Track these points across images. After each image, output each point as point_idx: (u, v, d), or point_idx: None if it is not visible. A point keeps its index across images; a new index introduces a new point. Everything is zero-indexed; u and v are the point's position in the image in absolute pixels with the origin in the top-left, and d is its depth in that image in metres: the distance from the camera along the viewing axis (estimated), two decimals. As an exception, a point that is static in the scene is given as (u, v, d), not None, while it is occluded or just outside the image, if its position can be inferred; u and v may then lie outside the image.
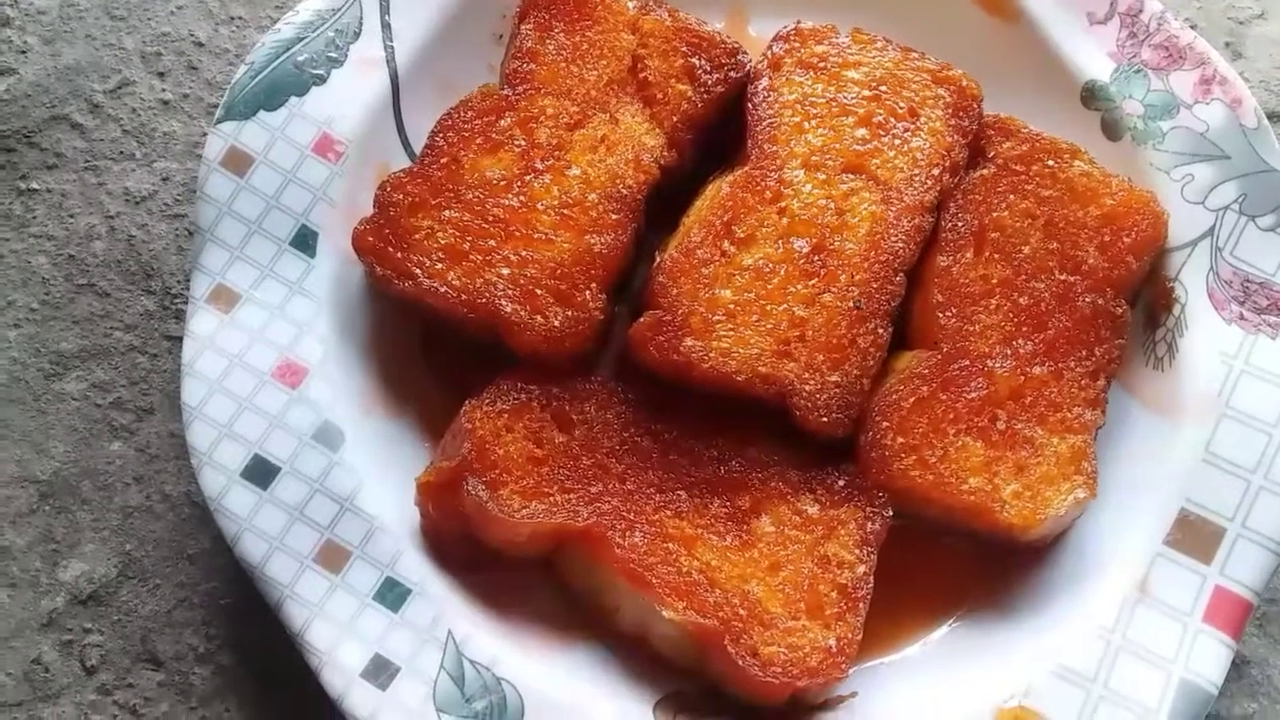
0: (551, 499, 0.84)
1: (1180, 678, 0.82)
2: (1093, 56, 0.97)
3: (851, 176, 0.91)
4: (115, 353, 0.97)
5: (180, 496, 0.94)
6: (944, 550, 0.89)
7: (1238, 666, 0.92)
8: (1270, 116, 1.07)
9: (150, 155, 1.02)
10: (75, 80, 1.03)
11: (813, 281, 0.89)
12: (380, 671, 0.81)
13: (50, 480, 0.94)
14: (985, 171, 0.93)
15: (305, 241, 0.90)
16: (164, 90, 1.03)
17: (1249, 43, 1.09)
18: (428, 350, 0.94)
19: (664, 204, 0.93)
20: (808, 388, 0.86)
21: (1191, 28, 1.08)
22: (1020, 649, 0.85)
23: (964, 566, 0.89)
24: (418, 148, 0.94)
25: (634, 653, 0.86)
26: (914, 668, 0.87)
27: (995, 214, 0.92)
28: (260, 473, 0.85)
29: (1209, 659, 0.83)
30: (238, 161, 0.90)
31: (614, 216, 0.90)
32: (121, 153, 1.02)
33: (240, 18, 1.06)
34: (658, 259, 0.90)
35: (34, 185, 1.00)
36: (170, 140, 1.02)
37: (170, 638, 0.91)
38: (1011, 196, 0.92)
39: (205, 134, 1.00)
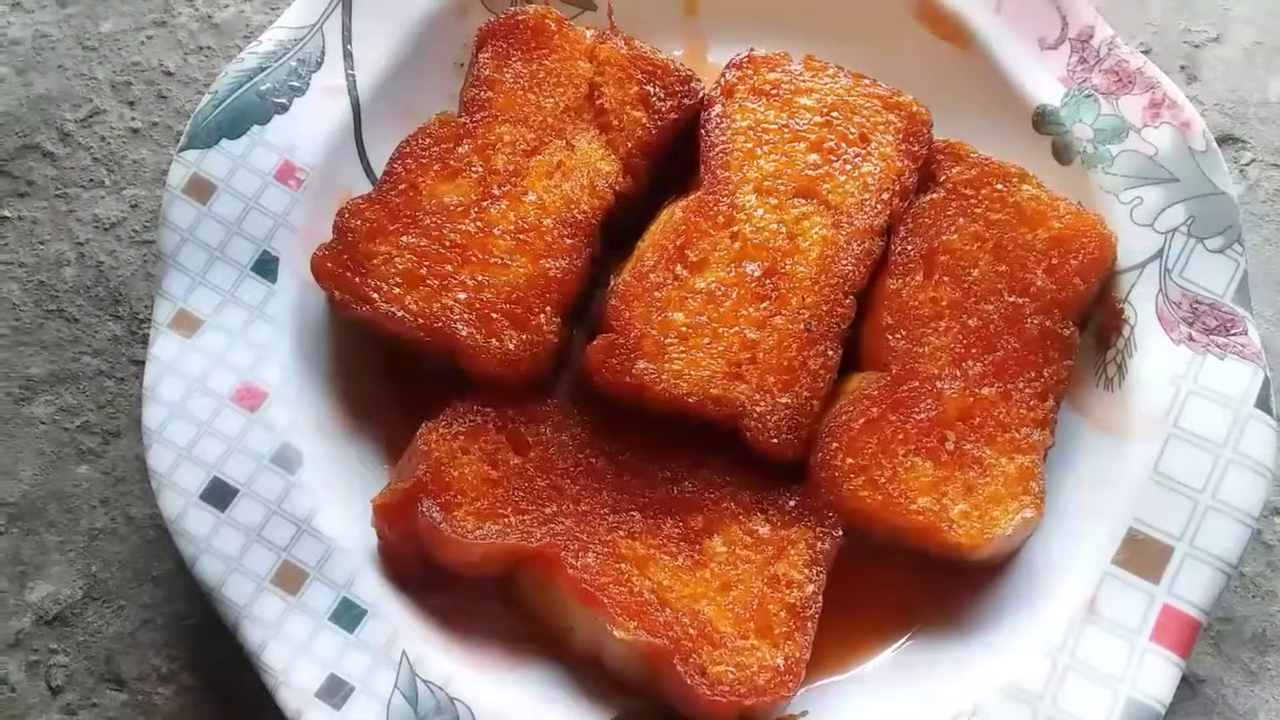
0: (505, 520, 0.86)
1: (1128, 696, 0.83)
2: (1044, 81, 0.98)
3: (803, 201, 0.93)
4: (83, 377, 0.99)
5: (145, 519, 0.95)
6: (896, 570, 0.90)
7: (1192, 685, 0.93)
8: (1226, 139, 1.08)
9: (120, 183, 1.04)
10: (47, 109, 1.05)
11: (764, 304, 0.90)
12: (335, 691, 0.82)
13: (18, 503, 0.95)
14: (935, 195, 0.94)
15: (266, 267, 0.92)
16: (134, 119, 1.05)
17: (1204, 66, 1.10)
18: (390, 374, 0.95)
19: (623, 230, 0.95)
20: (758, 409, 0.88)
21: (1145, 52, 1.10)
22: (970, 667, 0.86)
23: (916, 586, 0.90)
24: (380, 174, 0.96)
25: (588, 672, 0.87)
26: (865, 686, 0.88)
27: (945, 237, 0.93)
28: (219, 495, 0.86)
29: (1157, 678, 0.83)
30: (200, 189, 0.92)
31: (568, 241, 0.91)
32: (92, 180, 1.04)
33: (209, 47, 1.08)
34: (612, 283, 0.91)
35: (5, 213, 1.02)
36: (139, 168, 1.04)
37: (134, 658, 0.92)
38: (961, 220, 0.93)
39: (173, 161, 1.02)
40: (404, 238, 0.91)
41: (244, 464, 0.87)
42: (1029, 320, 0.91)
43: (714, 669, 0.82)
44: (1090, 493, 0.90)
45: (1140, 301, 0.93)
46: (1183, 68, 1.10)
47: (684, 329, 0.89)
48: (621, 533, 0.87)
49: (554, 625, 0.87)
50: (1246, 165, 1.07)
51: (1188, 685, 0.93)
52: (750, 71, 0.96)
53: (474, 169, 0.93)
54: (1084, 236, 0.92)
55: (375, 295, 0.89)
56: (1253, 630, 0.94)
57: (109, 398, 0.98)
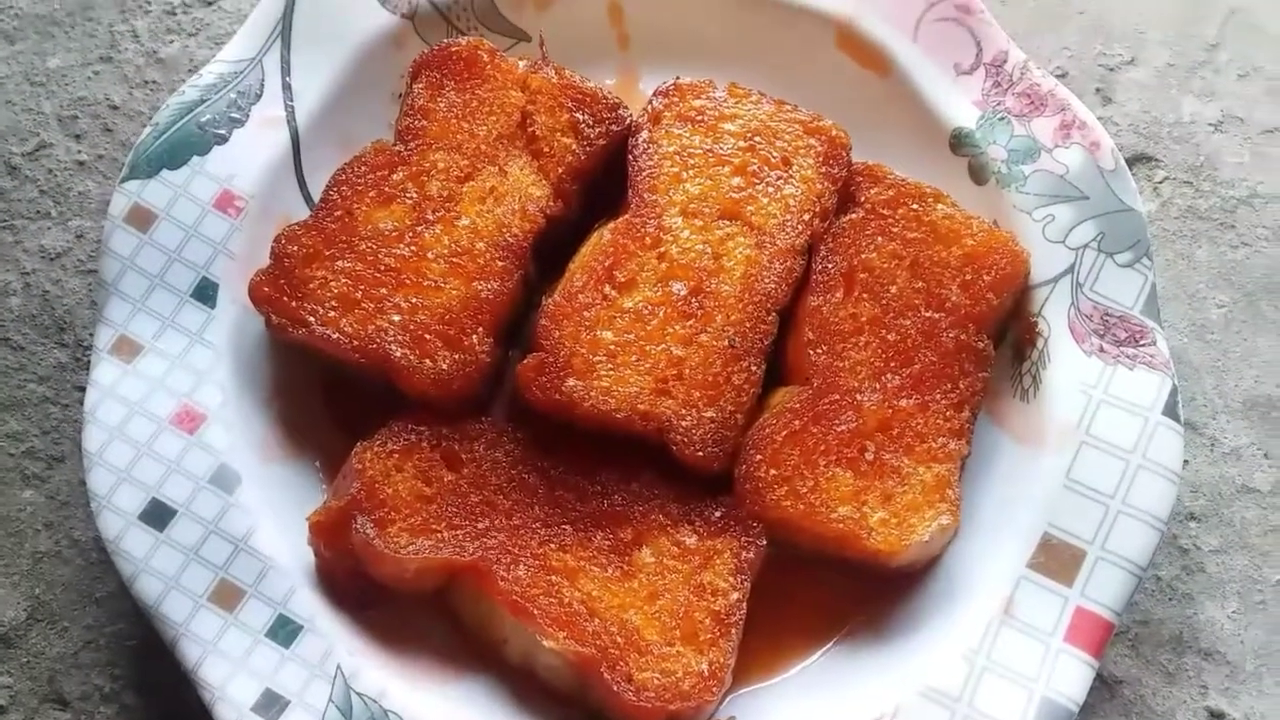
0: (438, 535, 0.88)
1: (1042, 696, 0.86)
2: (960, 105, 1.02)
3: (727, 223, 0.96)
4: (29, 404, 1.01)
5: (89, 541, 0.97)
6: (821, 579, 0.93)
7: (1111, 687, 0.96)
8: (1140, 158, 1.12)
9: (65, 214, 1.06)
10: (-5, 144, 1.08)
11: (690, 322, 0.93)
12: (271, 705, 0.84)
13: (-37, 528, 0.97)
14: (854, 215, 0.98)
15: (206, 293, 0.95)
16: (80, 152, 1.08)
17: (1119, 88, 1.15)
18: (329, 396, 0.97)
19: (555, 252, 0.98)
20: (684, 424, 0.90)
21: (1062, 76, 1.14)
22: (891, 671, 0.89)
23: (840, 594, 0.93)
24: (318, 202, 0.98)
25: (521, 684, 0.89)
26: (792, 691, 0.90)
27: (864, 255, 0.96)
28: (157, 515, 0.88)
29: (1070, 678, 0.86)
30: (141, 218, 0.95)
31: (500, 264, 0.94)
32: (38, 212, 1.06)
33: (154, 82, 1.11)
34: (543, 304, 0.94)
35: (-48, 244, 1.05)
36: (85, 199, 1.07)
37: (77, 678, 0.94)
38: (879, 239, 0.97)
39: (119, 192, 1.04)
40: (339, 262, 0.93)
41: (182, 485, 0.89)
42: (945, 334, 0.94)
43: (640, 676, 0.84)
44: (1008, 500, 0.93)
45: (1053, 315, 0.96)
46: (1098, 90, 1.14)
47: (612, 347, 0.92)
48: (553, 546, 0.89)
49: (488, 638, 0.89)
50: (1160, 183, 1.11)
51: (1107, 687, 0.95)
52: (676, 98, 1.00)
53: (408, 195, 0.96)
54: (996, 253, 0.96)
55: (311, 319, 0.91)
56: (1170, 633, 0.97)
57: (54, 424, 1.00)
